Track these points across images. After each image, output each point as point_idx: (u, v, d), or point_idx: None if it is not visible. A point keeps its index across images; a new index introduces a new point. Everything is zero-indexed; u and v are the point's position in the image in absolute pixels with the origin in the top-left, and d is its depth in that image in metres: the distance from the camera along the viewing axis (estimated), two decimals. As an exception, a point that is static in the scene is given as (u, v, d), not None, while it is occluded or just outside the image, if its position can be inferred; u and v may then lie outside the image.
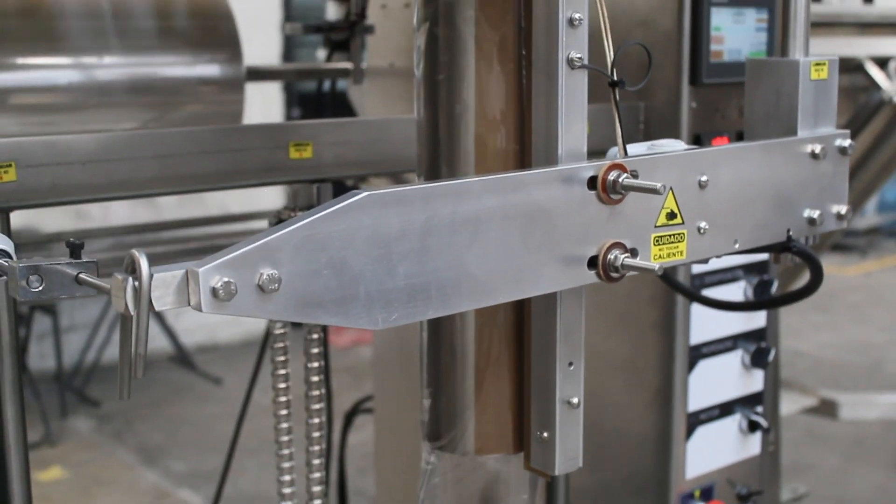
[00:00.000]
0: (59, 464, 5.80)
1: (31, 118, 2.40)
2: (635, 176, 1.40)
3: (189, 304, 1.06)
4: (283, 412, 2.11)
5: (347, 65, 2.71)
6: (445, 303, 1.27)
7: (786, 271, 3.42)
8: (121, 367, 1.09)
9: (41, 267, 1.13)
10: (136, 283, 1.03)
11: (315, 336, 2.06)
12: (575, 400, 1.54)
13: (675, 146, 1.53)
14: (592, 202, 1.38)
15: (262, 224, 2.56)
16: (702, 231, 1.51)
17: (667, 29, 2.18)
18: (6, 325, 1.67)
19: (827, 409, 4.46)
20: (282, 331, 2.07)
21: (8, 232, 1.60)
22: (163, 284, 1.04)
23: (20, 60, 2.36)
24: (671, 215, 1.47)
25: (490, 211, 1.28)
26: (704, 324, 2.25)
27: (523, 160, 1.55)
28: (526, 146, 1.52)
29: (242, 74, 2.52)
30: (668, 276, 1.95)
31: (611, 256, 1.39)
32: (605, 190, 1.39)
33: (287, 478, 2.13)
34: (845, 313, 8.67)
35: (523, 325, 1.57)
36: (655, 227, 1.46)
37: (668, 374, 2.25)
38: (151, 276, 1.03)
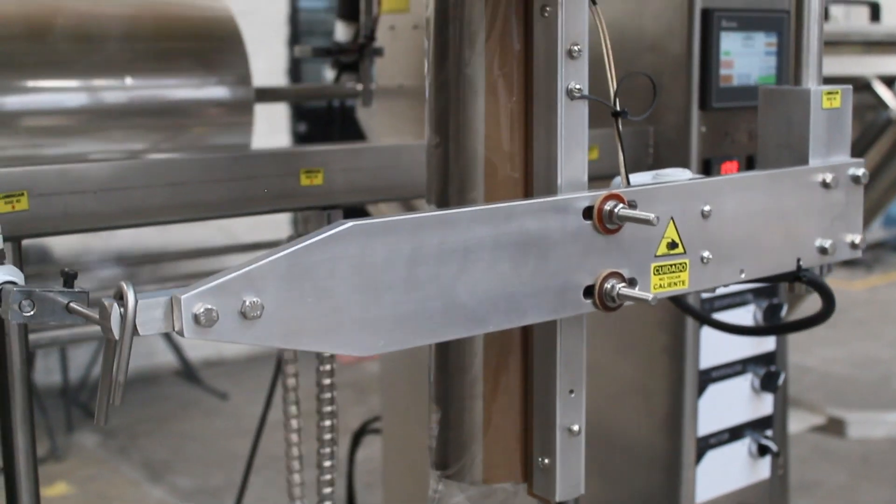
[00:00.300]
0: (65, 479, 5.80)
1: (40, 141, 2.40)
2: (634, 206, 1.40)
3: (173, 330, 1.09)
4: (294, 434, 2.13)
5: (356, 86, 2.72)
6: (434, 330, 1.27)
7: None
8: (100, 392, 1.12)
9: (34, 293, 1.18)
10: (122, 310, 1.06)
11: (327, 354, 2.08)
12: (576, 427, 1.54)
13: (680, 175, 1.53)
14: (588, 232, 1.38)
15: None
16: (705, 261, 1.50)
17: (676, 53, 2.18)
18: (17, 351, 1.68)
19: (835, 427, 4.46)
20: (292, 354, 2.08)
21: (20, 259, 1.61)
22: (147, 309, 1.07)
23: (30, 83, 2.36)
24: (672, 245, 1.47)
25: (480, 241, 1.29)
26: (714, 348, 2.25)
27: (528, 189, 1.55)
28: (529, 175, 1.53)
29: (251, 96, 2.53)
30: (678, 300, 1.95)
31: (607, 286, 1.39)
32: (601, 220, 1.38)
33: (297, 491, 2.16)
34: (852, 328, 8.65)
35: (530, 355, 1.57)
36: (656, 256, 1.45)
37: (677, 398, 2.25)
38: (137, 302, 1.06)
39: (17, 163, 1.65)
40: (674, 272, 1.47)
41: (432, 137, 1.60)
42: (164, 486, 5.73)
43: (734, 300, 2.26)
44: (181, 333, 1.08)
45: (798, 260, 1.64)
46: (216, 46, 2.56)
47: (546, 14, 1.43)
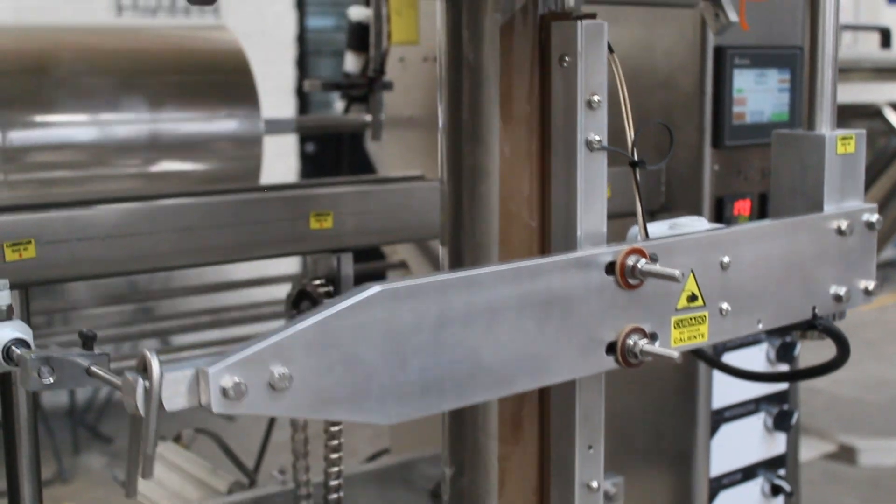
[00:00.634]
0: (72, 501, 5.77)
1: (50, 175, 2.40)
2: (655, 259, 1.38)
3: (200, 405, 1.05)
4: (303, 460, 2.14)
5: (366, 118, 2.71)
6: (460, 395, 1.24)
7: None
8: (129, 465, 1.08)
9: (53, 358, 1.15)
10: (147, 384, 1.02)
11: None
12: (595, 484, 1.51)
13: (697, 225, 1.50)
14: (611, 287, 1.36)
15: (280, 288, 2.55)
16: (724, 313, 1.48)
17: (689, 90, 2.17)
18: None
19: (846, 455, 4.43)
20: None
21: (27, 308, 1.59)
22: (173, 384, 1.04)
23: (39, 118, 2.36)
24: (692, 298, 1.44)
25: (505, 300, 1.26)
26: (727, 387, 2.23)
27: (544, 236, 1.53)
28: (545, 223, 1.50)
29: (261, 130, 2.52)
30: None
31: (630, 342, 1.37)
32: (624, 276, 1.36)
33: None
34: (861, 349, 8.57)
35: (546, 409, 1.55)
36: (676, 310, 1.43)
37: (690, 438, 2.22)
38: (162, 375, 1.02)
39: (25, 209, 1.63)
40: (693, 325, 1.45)
41: (446, 180, 1.58)
42: (171, 509, 5.70)
43: (747, 338, 2.24)
44: (209, 408, 1.04)
45: (813, 308, 1.62)
46: (226, 80, 2.55)
47: (565, 64, 1.40)
